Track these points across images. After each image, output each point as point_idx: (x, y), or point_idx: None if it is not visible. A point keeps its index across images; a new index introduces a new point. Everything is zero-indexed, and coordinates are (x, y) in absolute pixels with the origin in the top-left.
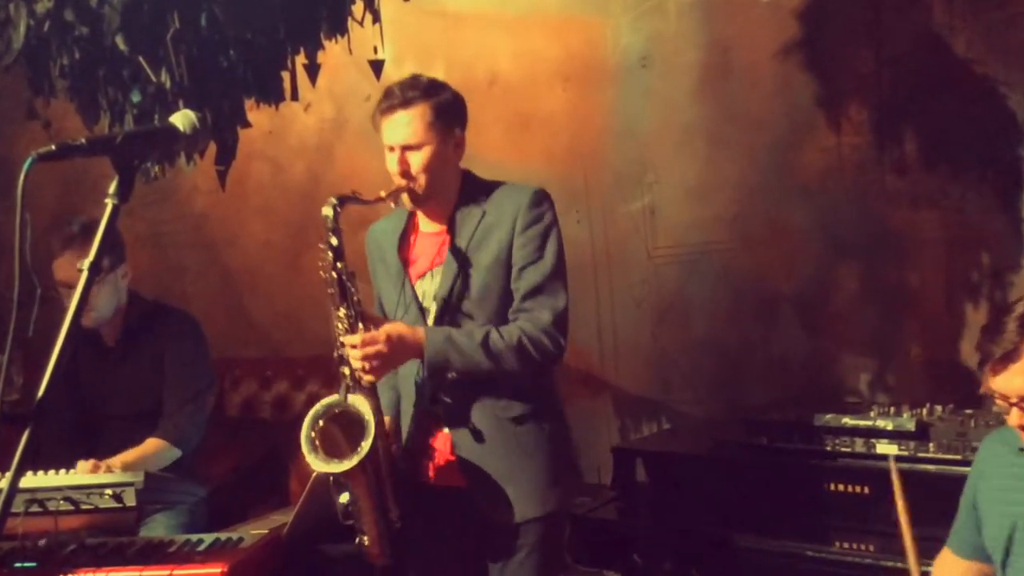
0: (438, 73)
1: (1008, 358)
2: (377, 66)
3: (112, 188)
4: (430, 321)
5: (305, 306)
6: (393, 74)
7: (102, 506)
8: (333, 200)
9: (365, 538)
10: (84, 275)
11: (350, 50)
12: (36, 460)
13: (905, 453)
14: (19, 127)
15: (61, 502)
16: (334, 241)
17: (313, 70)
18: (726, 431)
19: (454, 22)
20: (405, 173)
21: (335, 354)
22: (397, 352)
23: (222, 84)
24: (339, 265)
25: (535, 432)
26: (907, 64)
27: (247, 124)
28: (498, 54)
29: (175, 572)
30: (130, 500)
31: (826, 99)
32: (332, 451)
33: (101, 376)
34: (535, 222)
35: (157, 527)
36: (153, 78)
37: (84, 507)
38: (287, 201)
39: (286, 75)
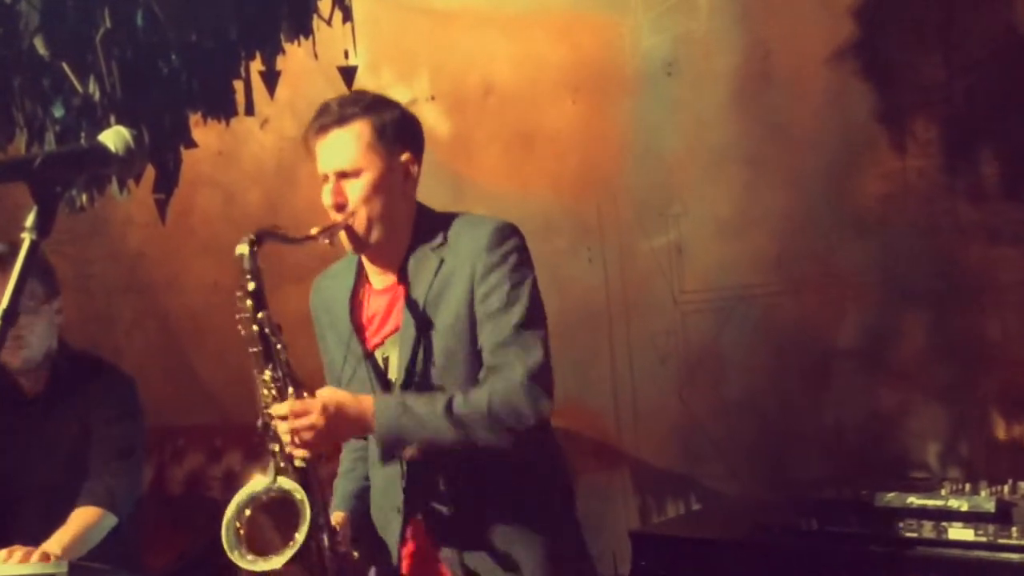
0: (423, 82)
1: None
2: (348, 73)
3: (30, 220)
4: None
5: None
6: (367, 83)
7: None
8: (249, 236)
9: None
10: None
11: (315, 54)
12: None
13: (983, 539)
14: None
15: None
16: (252, 286)
17: (271, 78)
18: (768, 513)
19: (442, 21)
20: (340, 206)
21: (259, 423)
22: (336, 425)
23: (162, 96)
24: (260, 316)
25: (533, 511)
26: (984, 72)
27: (192, 144)
28: (494, 59)
29: None
30: None
31: (887, 114)
32: (261, 546)
33: (16, 436)
34: (498, 265)
35: None
36: (79, 88)
37: None
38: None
39: (239, 84)
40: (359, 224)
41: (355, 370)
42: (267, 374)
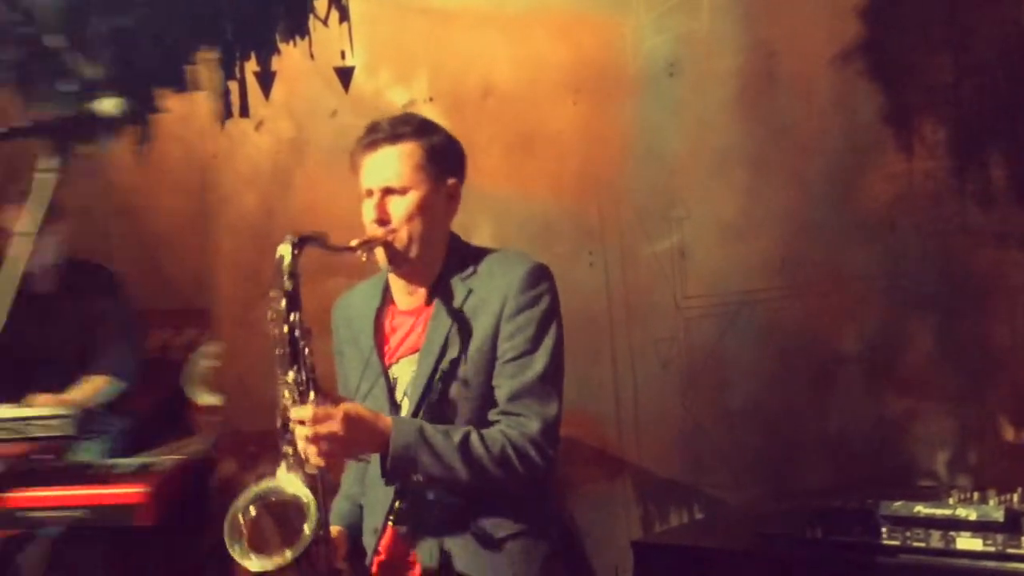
0: (421, 83)
1: None
2: (345, 74)
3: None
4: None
5: (256, 369)
6: (364, 84)
7: (42, 435)
8: (292, 238)
9: None
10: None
11: (312, 55)
12: None
13: (992, 549)
14: None
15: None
16: (288, 285)
17: (267, 79)
18: (772, 522)
19: (440, 21)
20: (383, 221)
21: (278, 425)
22: (354, 437)
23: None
24: (292, 318)
25: (525, 555)
26: (993, 73)
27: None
28: (494, 60)
29: (101, 492)
30: (68, 430)
31: (894, 115)
32: (260, 545)
33: (33, 322)
34: (528, 306)
35: (84, 454)
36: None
37: (25, 436)
38: (234, 240)
39: (233, 85)
40: (399, 241)
41: (372, 387)
42: (291, 376)
